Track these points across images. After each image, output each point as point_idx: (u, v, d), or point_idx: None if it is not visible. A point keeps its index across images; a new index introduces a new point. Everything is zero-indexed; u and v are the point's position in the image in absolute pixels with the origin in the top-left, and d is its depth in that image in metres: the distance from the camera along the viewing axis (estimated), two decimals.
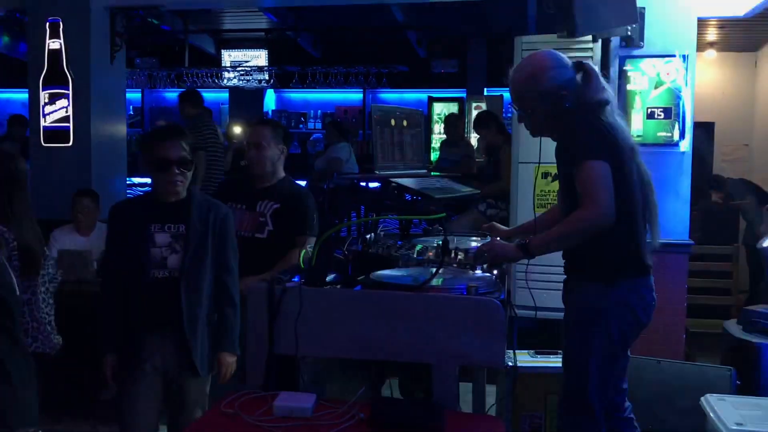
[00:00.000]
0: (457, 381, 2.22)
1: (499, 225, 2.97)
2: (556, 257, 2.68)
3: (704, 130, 8.25)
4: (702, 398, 3.07)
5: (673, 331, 4.31)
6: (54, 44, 5.37)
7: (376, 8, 7.40)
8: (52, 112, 5.42)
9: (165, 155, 2.70)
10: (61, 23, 5.36)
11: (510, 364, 2.94)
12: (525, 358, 3.46)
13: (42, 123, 5.43)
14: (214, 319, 2.82)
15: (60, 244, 4.72)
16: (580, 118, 2.53)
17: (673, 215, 4.39)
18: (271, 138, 3.42)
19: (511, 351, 2.76)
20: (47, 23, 5.36)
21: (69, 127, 5.40)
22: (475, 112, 8.36)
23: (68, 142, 5.40)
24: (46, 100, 5.41)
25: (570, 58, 2.65)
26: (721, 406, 2.92)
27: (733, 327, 3.97)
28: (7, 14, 5.97)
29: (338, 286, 2.36)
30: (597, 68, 2.63)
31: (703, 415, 2.99)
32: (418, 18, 8.49)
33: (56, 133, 5.43)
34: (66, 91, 5.38)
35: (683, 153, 4.43)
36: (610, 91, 2.60)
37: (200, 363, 2.73)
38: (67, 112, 5.39)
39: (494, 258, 2.53)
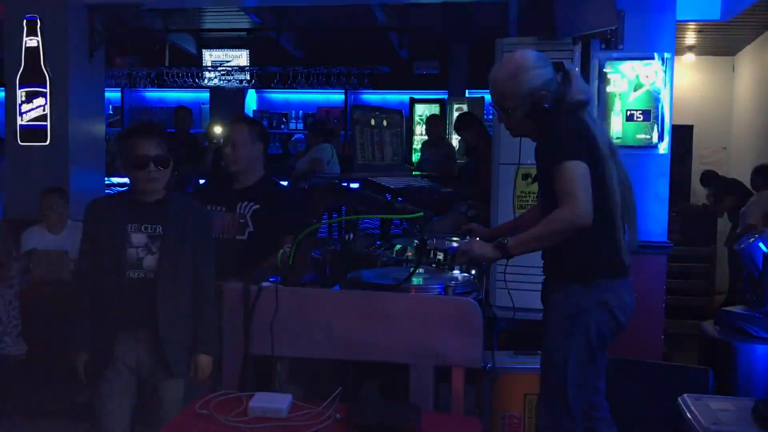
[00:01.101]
0: (434, 381, 2.21)
1: (479, 226, 2.97)
2: (535, 257, 2.68)
3: (683, 134, 8.34)
4: (679, 398, 3.09)
5: (651, 331, 4.33)
6: (31, 42, 5.30)
7: (358, 9, 7.38)
8: (29, 111, 5.35)
9: (142, 153, 2.67)
10: (38, 20, 5.29)
11: (489, 364, 2.93)
12: (505, 359, 3.46)
13: (19, 121, 5.35)
14: (190, 321, 2.80)
15: (31, 244, 4.66)
16: (559, 118, 2.53)
17: (652, 217, 4.42)
18: (248, 135, 3.34)
19: (490, 351, 2.76)
20: (24, 20, 5.29)
21: (46, 125, 5.33)
22: (456, 114, 8.37)
23: (45, 141, 5.34)
24: (23, 99, 5.34)
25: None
26: (698, 406, 2.94)
27: (709, 328, 4.01)
28: None
29: (316, 286, 2.35)
30: (577, 69, 2.64)
31: (680, 415, 3.00)
32: (400, 19, 8.48)
33: (33, 132, 5.36)
34: (43, 90, 5.31)
35: (662, 155, 4.47)
36: (589, 92, 2.61)
37: (175, 364, 2.70)
38: (44, 110, 5.33)
39: (473, 258, 2.53)
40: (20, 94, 5.34)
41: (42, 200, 4.76)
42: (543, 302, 2.69)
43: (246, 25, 8.94)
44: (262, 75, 9.66)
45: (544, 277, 2.69)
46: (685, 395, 3.09)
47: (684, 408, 2.98)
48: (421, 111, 9.62)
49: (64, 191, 4.87)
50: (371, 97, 9.91)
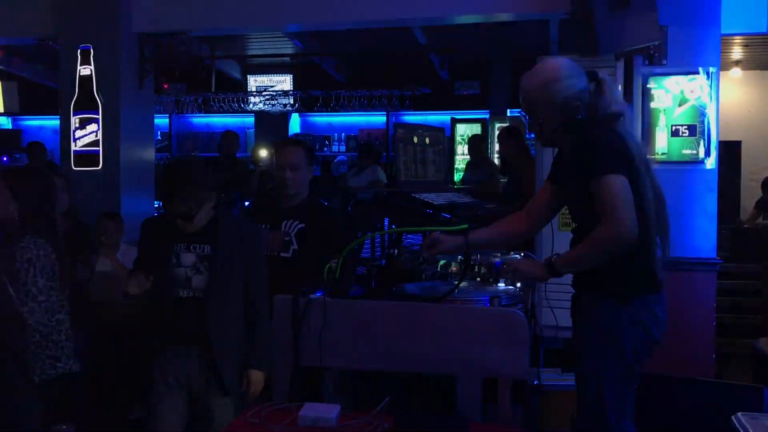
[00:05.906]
0: (481, 393, 2.20)
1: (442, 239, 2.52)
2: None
3: (731, 150, 8.18)
4: (733, 417, 3.01)
5: (702, 349, 4.24)
6: (85, 70, 5.50)
7: (399, 32, 7.46)
8: (82, 137, 5.54)
9: (171, 210, 2.76)
10: (92, 50, 5.49)
11: (535, 382, 2.91)
12: (552, 377, 3.43)
13: (73, 147, 5.55)
14: (242, 338, 2.83)
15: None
16: (594, 130, 2.45)
17: (700, 233, 4.34)
18: (305, 159, 3.42)
19: (536, 369, 2.73)
20: (78, 50, 5.50)
21: (99, 150, 5.51)
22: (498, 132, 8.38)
23: (98, 166, 5.51)
24: (77, 125, 5.54)
25: None
26: (753, 425, 2.85)
27: (763, 346, 3.91)
28: (40, 43, 6.13)
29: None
30: (616, 81, 2.60)
31: None
32: (441, 40, 8.54)
33: (86, 157, 5.54)
34: (96, 116, 5.49)
35: (709, 170, 4.40)
36: (624, 103, 2.54)
37: (228, 381, 2.74)
38: (96, 136, 5.50)
39: (521, 278, 2.48)
40: (74, 120, 5.53)
41: (98, 225, 4.87)
42: (574, 320, 2.58)
43: (289, 51, 9.11)
44: (305, 99, 9.81)
45: (574, 292, 2.58)
46: (739, 414, 3.00)
47: (738, 427, 2.90)
48: (463, 131, 9.64)
49: (120, 217, 4.98)
50: (413, 118, 9.95)
